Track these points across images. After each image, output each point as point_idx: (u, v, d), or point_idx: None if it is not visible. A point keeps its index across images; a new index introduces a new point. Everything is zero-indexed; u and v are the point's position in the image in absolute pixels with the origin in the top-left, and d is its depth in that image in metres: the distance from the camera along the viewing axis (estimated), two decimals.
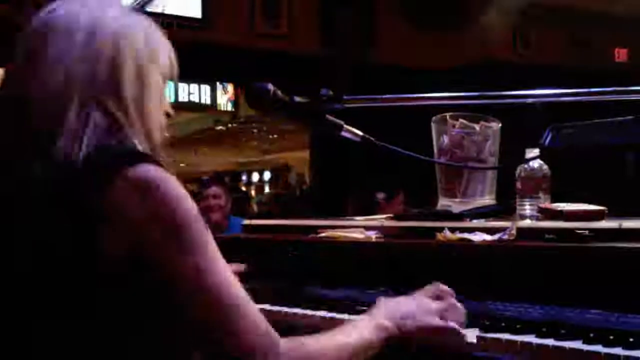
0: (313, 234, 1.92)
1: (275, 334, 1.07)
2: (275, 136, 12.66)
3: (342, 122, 1.44)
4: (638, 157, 1.96)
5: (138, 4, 6.53)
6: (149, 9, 6.60)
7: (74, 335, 1.01)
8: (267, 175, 15.48)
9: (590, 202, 1.64)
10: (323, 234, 1.90)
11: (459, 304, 1.32)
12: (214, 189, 4.38)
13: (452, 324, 1.28)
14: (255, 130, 12.18)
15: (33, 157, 1.02)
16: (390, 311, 1.26)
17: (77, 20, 1.09)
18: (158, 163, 1.04)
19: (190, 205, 1.03)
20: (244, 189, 14.95)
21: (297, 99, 1.42)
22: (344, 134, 1.43)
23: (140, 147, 1.08)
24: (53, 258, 1.00)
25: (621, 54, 8.21)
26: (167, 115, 1.20)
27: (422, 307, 1.28)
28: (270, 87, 1.37)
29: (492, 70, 6.59)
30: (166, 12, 6.55)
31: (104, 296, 1.01)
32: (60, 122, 1.03)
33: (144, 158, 1.04)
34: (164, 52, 1.17)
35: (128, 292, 1.01)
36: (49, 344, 1.02)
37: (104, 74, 1.07)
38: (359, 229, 1.86)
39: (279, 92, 1.38)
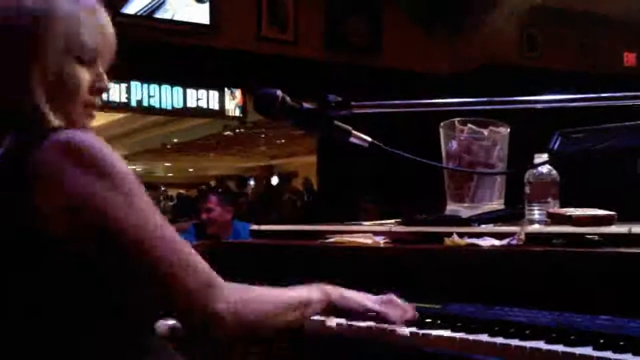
0: (321, 239, 1.92)
1: (217, 279, 1.11)
2: (282, 141, 12.68)
3: (350, 128, 1.44)
4: None
5: (148, 9, 6.57)
6: (158, 15, 6.63)
7: (18, 297, 1.05)
8: (274, 180, 15.49)
9: (599, 207, 1.63)
10: (331, 240, 1.89)
11: (402, 302, 1.45)
12: (207, 204, 4.42)
13: (385, 311, 1.41)
14: (263, 136, 12.20)
15: None
16: (336, 287, 1.38)
17: None
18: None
19: (116, 158, 1.06)
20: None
21: (306, 105, 1.42)
22: (352, 139, 1.43)
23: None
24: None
25: (630, 58, 8.19)
26: (93, 100, 1.18)
27: (365, 295, 1.44)
28: (279, 93, 1.38)
29: (499, 74, 6.58)
30: (175, 18, 6.58)
31: (45, 258, 1.04)
32: None
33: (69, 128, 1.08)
34: (78, 36, 1.13)
35: (68, 252, 1.04)
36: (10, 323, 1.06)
37: (19, 71, 1.10)
38: (367, 234, 1.86)
39: (288, 98, 1.39)
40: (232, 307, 1.11)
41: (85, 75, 1.15)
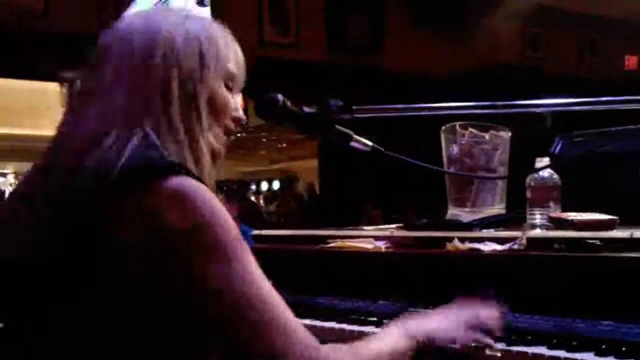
0: (322, 244, 1.92)
1: (315, 344, 1.04)
2: (284, 145, 12.68)
3: (351, 133, 1.43)
4: None
5: None
6: None
7: (88, 331, 1.01)
8: (275, 184, 15.49)
9: (601, 212, 1.63)
10: (333, 244, 1.89)
11: (493, 313, 1.31)
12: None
13: (479, 336, 1.27)
14: (264, 140, 12.20)
15: (75, 165, 1.03)
16: (422, 323, 1.25)
17: (131, 38, 1.11)
18: (193, 175, 1.03)
19: (225, 218, 1.01)
20: (252, 198, 14.96)
21: (307, 109, 1.42)
22: (353, 144, 1.43)
23: (176, 159, 1.06)
24: (82, 262, 1.00)
25: (631, 62, 8.18)
26: (232, 125, 1.19)
27: (453, 320, 1.27)
28: (280, 97, 1.38)
29: (501, 75, 6.58)
30: None
31: (129, 300, 1.00)
32: (102, 141, 1.04)
33: (179, 169, 1.02)
34: (225, 61, 1.16)
35: (153, 303, 1.00)
36: (62, 337, 1.02)
37: (151, 97, 1.08)
38: (369, 239, 1.86)
39: (289, 103, 1.38)
40: None
41: (230, 101, 1.18)
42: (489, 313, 1.30)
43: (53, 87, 6.52)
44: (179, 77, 1.10)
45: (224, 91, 1.16)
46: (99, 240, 0.99)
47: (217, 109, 1.14)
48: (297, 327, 1.03)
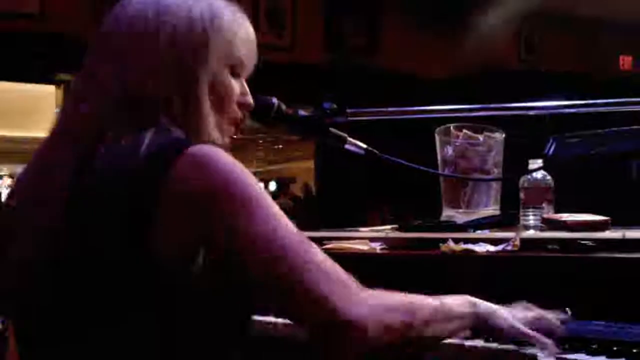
0: (318, 245, 1.92)
1: (354, 283, 1.02)
2: (280, 146, 12.68)
3: (345, 135, 1.44)
4: None
5: None
6: None
7: (139, 309, 0.99)
8: (272, 185, 15.47)
9: (594, 213, 1.64)
10: (328, 246, 1.90)
11: (551, 316, 1.23)
12: None
13: (537, 336, 1.18)
14: (261, 141, 12.20)
15: (91, 160, 1.02)
16: (486, 304, 1.18)
17: (133, 20, 1.08)
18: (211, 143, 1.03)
19: (247, 175, 1.00)
20: None
21: (301, 112, 1.43)
22: (347, 146, 1.44)
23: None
24: (117, 243, 0.98)
25: (626, 62, 8.20)
26: (238, 112, 1.16)
27: (516, 313, 1.20)
28: (275, 101, 1.39)
29: (496, 78, 6.59)
30: None
31: (168, 280, 0.98)
32: (109, 129, 1.03)
33: (197, 142, 1.02)
34: (232, 45, 1.12)
35: (196, 273, 0.99)
36: (110, 321, 1.00)
37: (155, 84, 1.06)
38: (364, 240, 1.87)
39: (283, 106, 1.39)
40: (375, 311, 0.99)
41: (235, 87, 1.14)
42: (552, 316, 1.22)
43: (48, 89, 6.52)
44: (178, 61, 1.07)
45: (227, 77, 1.12)
46: (147, 228, 0.96)
47: (220, 94, 1.11)
48: (335, 266, 1.02)
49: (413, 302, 1.07)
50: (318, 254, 1.02)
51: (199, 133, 1.08)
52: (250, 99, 1.17)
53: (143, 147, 1.00)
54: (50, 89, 6.47)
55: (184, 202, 0.98)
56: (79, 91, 1.12)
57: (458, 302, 1.14)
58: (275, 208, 1.01)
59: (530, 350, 1.27)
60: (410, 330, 1.03)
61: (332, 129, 1.44)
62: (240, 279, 1.01)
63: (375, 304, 1.00)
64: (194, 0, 1.10)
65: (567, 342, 1.28)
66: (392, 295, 1.06)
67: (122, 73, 1.07)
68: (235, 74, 1.14)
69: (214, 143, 1.06)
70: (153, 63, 1.07)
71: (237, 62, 1.13)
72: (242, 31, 1.14)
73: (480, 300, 1.17)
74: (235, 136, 1.20)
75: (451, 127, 2.05)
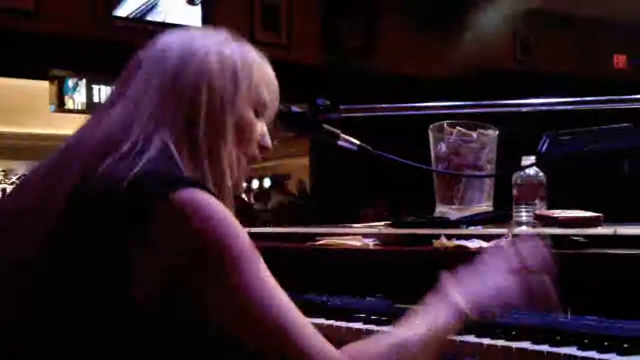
0: (311, 241, 1.94)
1: (330, 350, 0.99)
2: (275, 142, 12.67)
3: (339, 132, 1.45)
4: (633, 163, 1.98)
5: (140, 12, 6.57)
6: (150, 18, 6.64)
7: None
8: (267, 182, 15.46)
9: (586, 209, 1.65)
10: (321, 242, 1.91)
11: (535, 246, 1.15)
12: None
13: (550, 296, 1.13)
14: None
15: (86, 174, 1.02)
16: (469, 294, 1.11)
17: (165, 55, 1.10)
18: (204, 188, 1.01)
19: (236, 230, 1.00)
20: (243, 196, 14.94)
21: (295, 108, 1.43)
22: (341, 143, 1.45)
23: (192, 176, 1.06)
24: (89, 278, 0.98)
25: (620, 60, 8.23)
26: (257, 153, 1.17)
27: (500, 287, 1.13)
28: None
29: (492, 78, 6.61)
30: (167, 21, 6.58)
31: (137, 323, 0.98)
32: (119, 146, 1.03)
33: (190, 183, 1.01)
34: (258, 87, 1.14)
35: (162, 321, 0.99)
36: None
37: (177, 112, 1.07)
38: (357, 236, 1.87)
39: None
40: None
41: (257, 127, 1.15)
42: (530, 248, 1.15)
43: (42, 85, 6.51)
44: (208, 98, 1.08)
45: (252, 116, 1.14)
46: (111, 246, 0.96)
47: (243, 133, 1.12)
48: (311, 328, 1.00)
49: (398, 350, 1.03)
50: (298, 318, 1.00)
51: (219, 166, 1.09)
52: (268, 141, 1.19)
53: (136, 168, 0.99)
54: (44, 84, 6.47)
55: (162, 248, 0.96)
56: (106, 105, 1.13)
57: (444, 319, 1.08)
58: (262, 265, 1.01)
59: (522, 345, 1.28)
60: None
61: (325, 126, 1.45)
62: (217, 338, 1.00)
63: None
64: (228, 41, 1.14)
65: (559, 336, 1.29)
66: (373, 349, 1.02)
67: (150, 98, 1.07)
68: (257, 115, 1.15)
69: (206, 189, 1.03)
70: (182, 95, 1.08)
71: (261, 105, 1.15)
72: (268, 77, 1.17)
73: (463, 298, 1.10)
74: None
75: (445, 124, 2.06)
